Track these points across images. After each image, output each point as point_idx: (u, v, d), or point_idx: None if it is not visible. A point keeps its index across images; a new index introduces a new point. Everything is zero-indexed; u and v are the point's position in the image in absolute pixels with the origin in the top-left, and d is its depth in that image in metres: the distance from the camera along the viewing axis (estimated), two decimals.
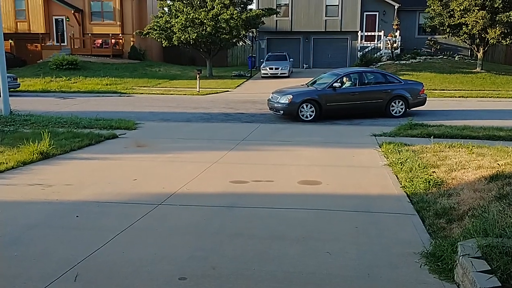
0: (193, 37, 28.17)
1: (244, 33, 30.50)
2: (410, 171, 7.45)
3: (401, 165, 7.93)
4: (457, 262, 4.04)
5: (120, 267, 4.31)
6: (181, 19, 28.35)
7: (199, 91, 23.03)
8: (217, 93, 23.05)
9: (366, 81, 15.19)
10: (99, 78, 27.76)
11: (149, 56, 37.37)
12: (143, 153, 9.49)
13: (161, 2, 31.11)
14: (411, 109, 15.41)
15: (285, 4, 35.79)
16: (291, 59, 31.43)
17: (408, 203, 6.20)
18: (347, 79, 15.08)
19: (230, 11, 27.86)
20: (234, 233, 5.18)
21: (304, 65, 35.56)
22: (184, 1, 29.62)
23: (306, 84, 16.07)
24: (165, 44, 30.34)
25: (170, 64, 36.59)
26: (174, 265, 4.37)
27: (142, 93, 23.47)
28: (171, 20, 29.30)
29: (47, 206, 6.09)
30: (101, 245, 4.79)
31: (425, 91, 15.79)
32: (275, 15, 33.41)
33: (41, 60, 34.29)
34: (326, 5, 35.35)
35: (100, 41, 35.73)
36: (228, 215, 5.77)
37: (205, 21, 28.16)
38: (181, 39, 28.74)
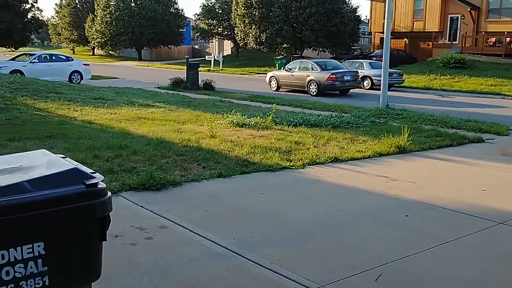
0: None
1: None
2: None
3: None
4: None
5: (426, 281, 3.92)
6: None
7: None
8: None
9: None
10: (484, 78, 26.22)
11: None
12: (505, 163, 8.39)
13: None
14: (325, 91, 20.20)
15: None
16: None
17: None
18: None
19: None
20: None
21: None
22: None
23: None
24: None
25: None
26: None
27: None
28: None
29: (383, 199, 6.15)
30: (418, 251, 4.48)
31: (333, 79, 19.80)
32: None
33: (430, 58, 34.97)
34: None
35: (493, 39, 33.55)
36: None
37: None
38: None
